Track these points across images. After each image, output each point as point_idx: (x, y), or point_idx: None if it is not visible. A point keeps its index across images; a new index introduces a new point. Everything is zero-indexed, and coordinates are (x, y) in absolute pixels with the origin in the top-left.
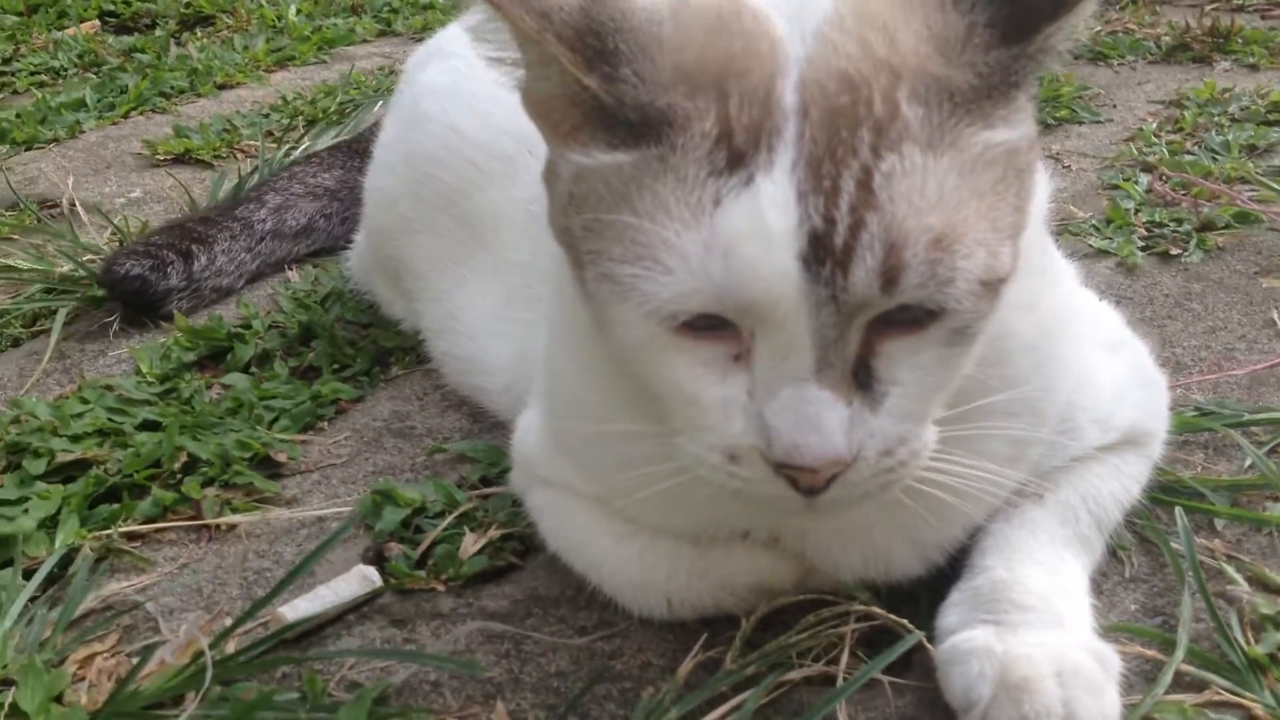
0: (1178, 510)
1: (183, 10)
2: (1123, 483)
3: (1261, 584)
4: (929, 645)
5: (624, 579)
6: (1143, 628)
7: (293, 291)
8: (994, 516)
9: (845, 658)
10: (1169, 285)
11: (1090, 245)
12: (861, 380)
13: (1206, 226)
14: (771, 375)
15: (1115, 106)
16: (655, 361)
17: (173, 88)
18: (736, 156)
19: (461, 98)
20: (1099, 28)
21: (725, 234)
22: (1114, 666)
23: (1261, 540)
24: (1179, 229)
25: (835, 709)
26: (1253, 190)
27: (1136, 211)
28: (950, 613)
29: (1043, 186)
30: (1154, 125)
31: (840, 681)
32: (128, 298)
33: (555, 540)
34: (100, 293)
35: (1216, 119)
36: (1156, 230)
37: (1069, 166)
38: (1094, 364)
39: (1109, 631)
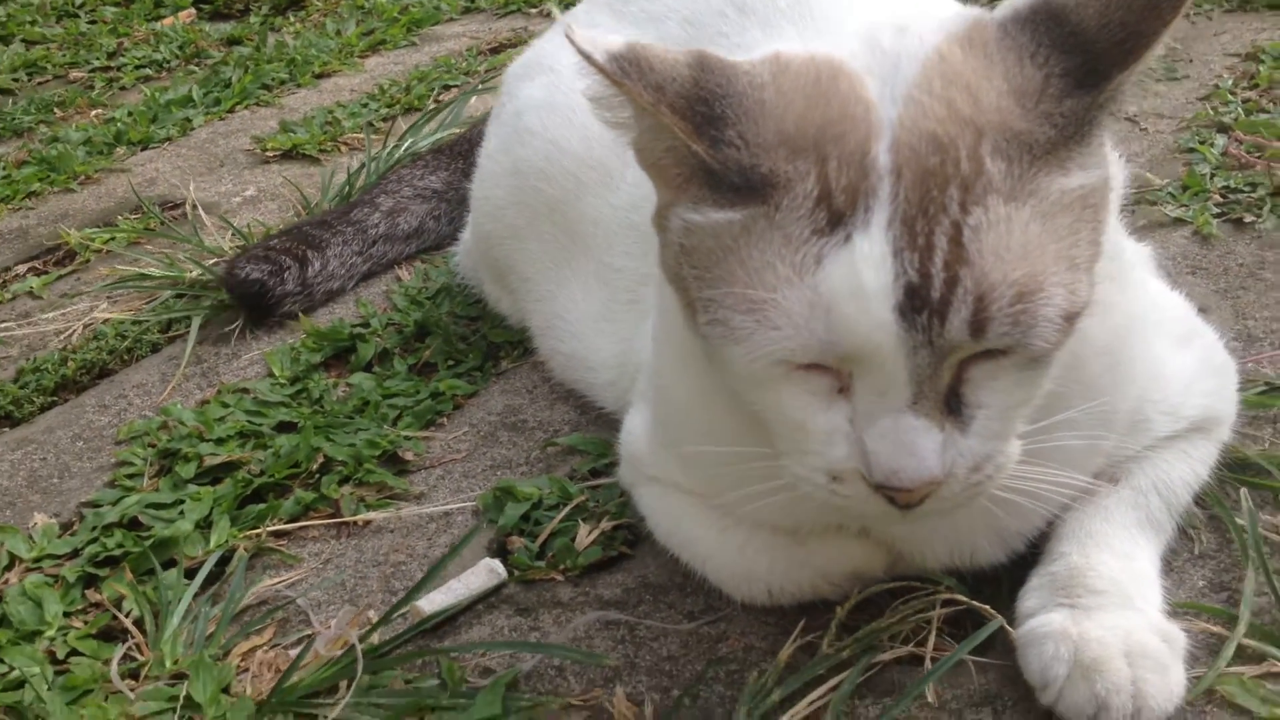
0: (1243, 490)
1: None
2: (1192, 466)
3: None
4: (1010, 628)
5: (728, 571)
6: (1207, 604)
7: (405, 289)
8: (1070, 504)
9: (933, 640)
10: (1243, 254)
11: (1166, 214)
12: (951, 406)
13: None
14: (871, 407)
15: (1192, 61)
16: (764, 394)
17: (274, 79)
18: (836, 216)
19: (559, 112)
20: None
21: (826, 293)
22: (1180, 644)
23: None
24: (1253, 194)
25: (924, 688)
26: None
27: (1212, 176)
28: (1029, 597)
29: (1117, 180)
30: (1230, 82)
31: (928, 662)
32: (248, 300)
33: (663, 533)
34: (228, 297)
35: None
36: (1231, 196)
37: (1145, 129)
38: (1163, 358)
39: (1176, 609)
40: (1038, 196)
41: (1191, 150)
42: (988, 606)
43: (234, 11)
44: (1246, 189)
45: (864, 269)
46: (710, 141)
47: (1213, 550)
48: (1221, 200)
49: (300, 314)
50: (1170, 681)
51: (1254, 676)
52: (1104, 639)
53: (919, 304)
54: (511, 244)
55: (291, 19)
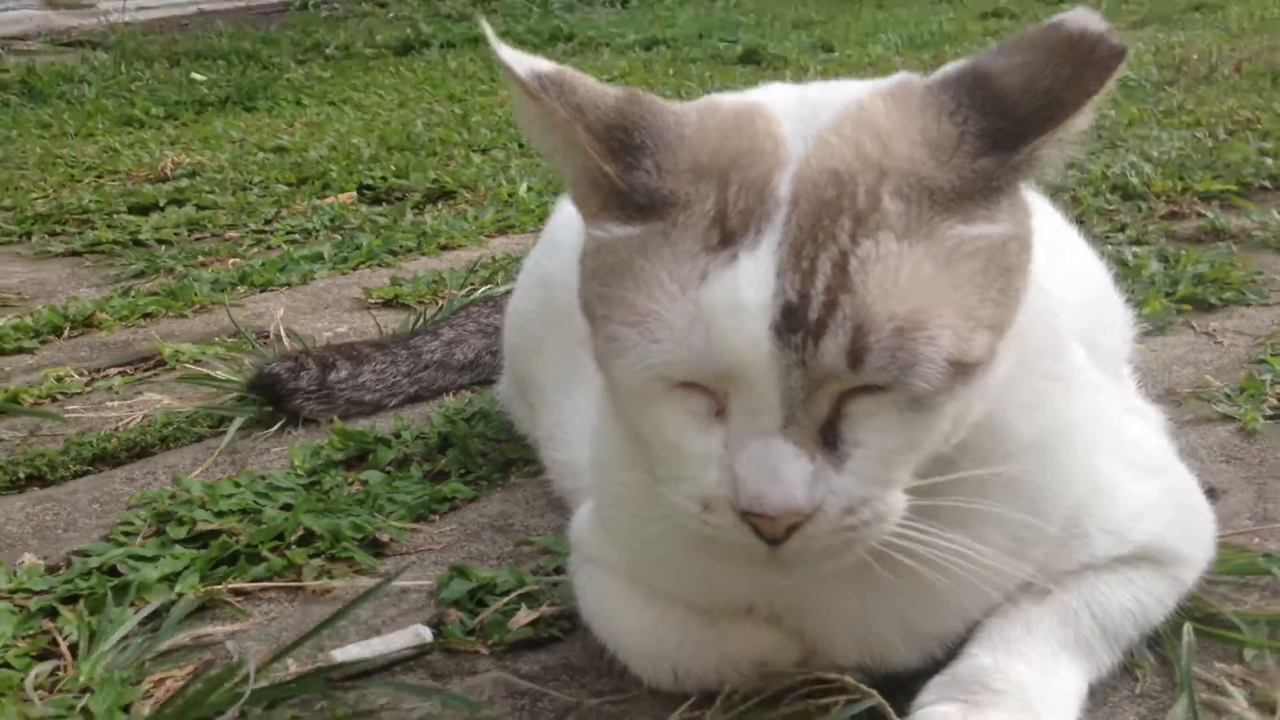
0: (1186, 626)
1: (429, 185)
2: (1137, 596)
3: (1270, 709)
4: (890, 710)
5: (638, 648)
6: None
7: (445, 410)
8: (993, 612)
9: None
10: None
11: (1215, 411)
12: (828, 439)
13: None
14: (742, 430)
15: None
16: (646, 412)
17: (401, 246)
18: (728, 236)
19: None
20: None
21: (708, 308)
22: None
23: None
24: None
25: None
26: None
27: (1273, 384)
28: (927, 693)
29: (1116, 322)
30: None
31: None
32: (261, 390)
33: (588, 612)
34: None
35: None
36: None
37: (1221, 342)
38: (1113, 476)
39: None
40: (934, 240)
41: (1261, 361)
42: (875, 692)
43: (391, 198)
44: None
45: (745, 285)
46: (624, 166)
47: (1155, 692)
48: (1278, 404)
49: (335, 418)
50: None
51: None
52: None
53: (795, 324)
54: (532, 358)
55: (440, 207)
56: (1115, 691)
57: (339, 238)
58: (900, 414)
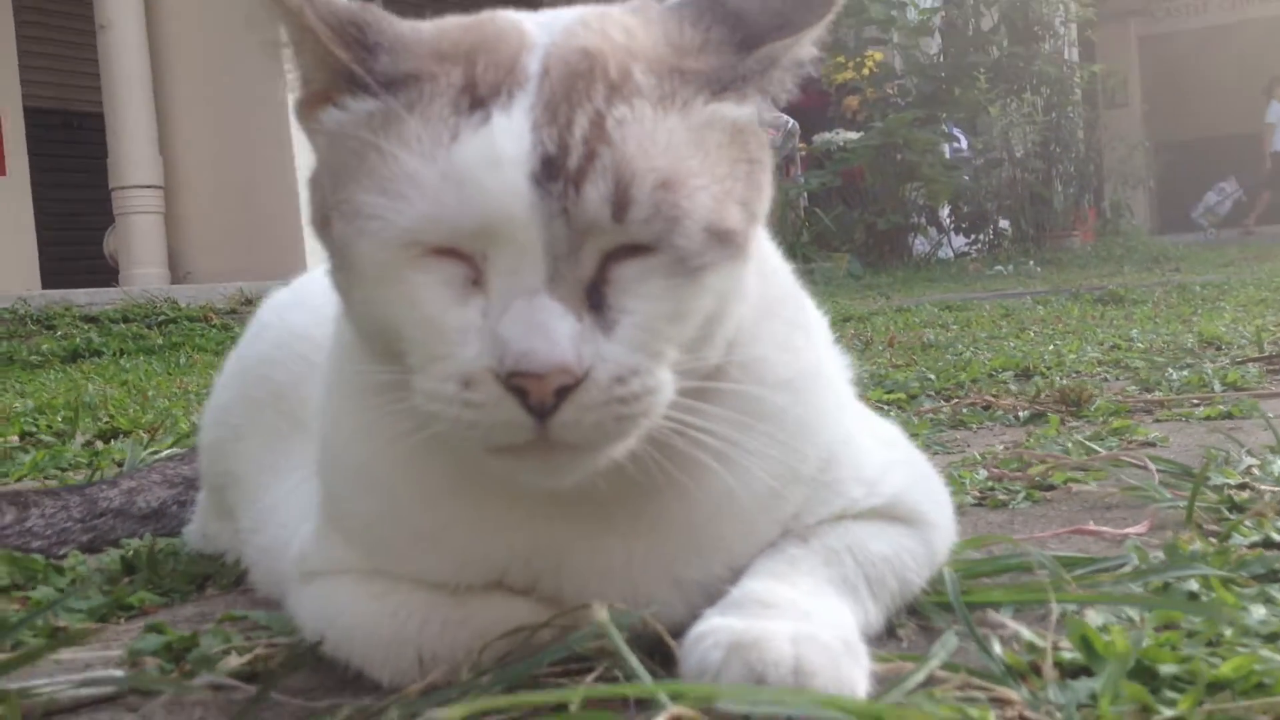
0: (946, 570)
1: (102, 426)
2: (894, 549)
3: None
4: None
5: (376, 639)
6: (906, 653)
7: (127, 546)
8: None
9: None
10: (993, 520)
11: None
12: (594, 304)
13: (1036, 486)
14: (505, 290)
15: (969, 448)
16: (397, 289)
17: (71, 464)
18: (478, 101)
19: (302, 302)
20: (961, 398)
21: (460, 162)
22: (861, 655)
23: None
24: (1010, 489)
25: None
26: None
27: (970, 484)
28: (700, 623)
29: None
30: (1000, 448)
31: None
32: None
33: (315, 626)
34: None
35: (1058, 440)
36: (989, 492)
37: None
38: (857, 434)
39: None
40: (687, 112)
41: (958, 477)
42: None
43: (62, 439)
44: (1005, 487)
45: (500, 139)
46: (359, 58)
47: (920, 649)
48: (979, 495)
49: None
50: (840, 670)
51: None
52: (769, 628)
53: (555, 172)
54: (234, 447)
55: (114, 442)
56: (882, 647)
57: None
58: (667, 280)
